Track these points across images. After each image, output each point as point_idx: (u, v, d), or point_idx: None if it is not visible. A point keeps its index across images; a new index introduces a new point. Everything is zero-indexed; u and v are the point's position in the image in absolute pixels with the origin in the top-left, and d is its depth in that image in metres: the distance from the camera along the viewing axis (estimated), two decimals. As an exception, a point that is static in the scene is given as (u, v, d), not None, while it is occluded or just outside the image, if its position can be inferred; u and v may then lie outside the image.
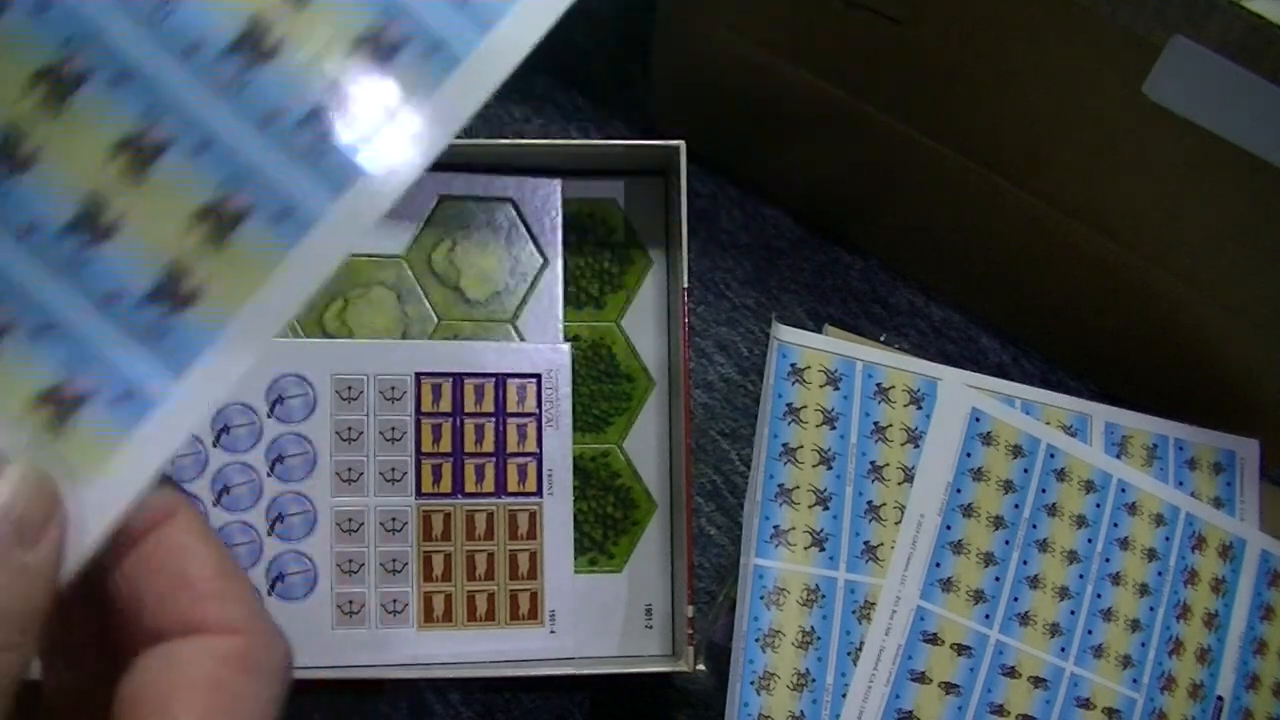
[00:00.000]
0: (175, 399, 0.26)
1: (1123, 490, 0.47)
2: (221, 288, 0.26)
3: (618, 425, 0.48)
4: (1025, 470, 0.46)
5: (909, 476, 0.45)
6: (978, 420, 0.46)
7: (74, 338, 0.26)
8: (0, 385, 0.25)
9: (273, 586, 0.44)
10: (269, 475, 0.45)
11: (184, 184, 0.26)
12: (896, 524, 0.45)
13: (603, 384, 0.48)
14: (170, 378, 0.26)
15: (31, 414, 0.25)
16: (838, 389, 0.45)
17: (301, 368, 0.45)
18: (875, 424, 0.45)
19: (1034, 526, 0.46)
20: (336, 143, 0.27)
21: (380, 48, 0.27)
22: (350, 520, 0.45)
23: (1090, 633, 0.46)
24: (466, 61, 0.28)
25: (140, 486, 0.25)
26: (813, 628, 0.43)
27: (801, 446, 0.44)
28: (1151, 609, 0.47)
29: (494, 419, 0.46)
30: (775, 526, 0.43)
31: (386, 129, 0.27)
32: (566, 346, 0.47)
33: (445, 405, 0.46)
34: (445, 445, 0.46)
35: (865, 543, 0.44)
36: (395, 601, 0.45)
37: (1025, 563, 0.46)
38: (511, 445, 0.46)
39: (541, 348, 0.46)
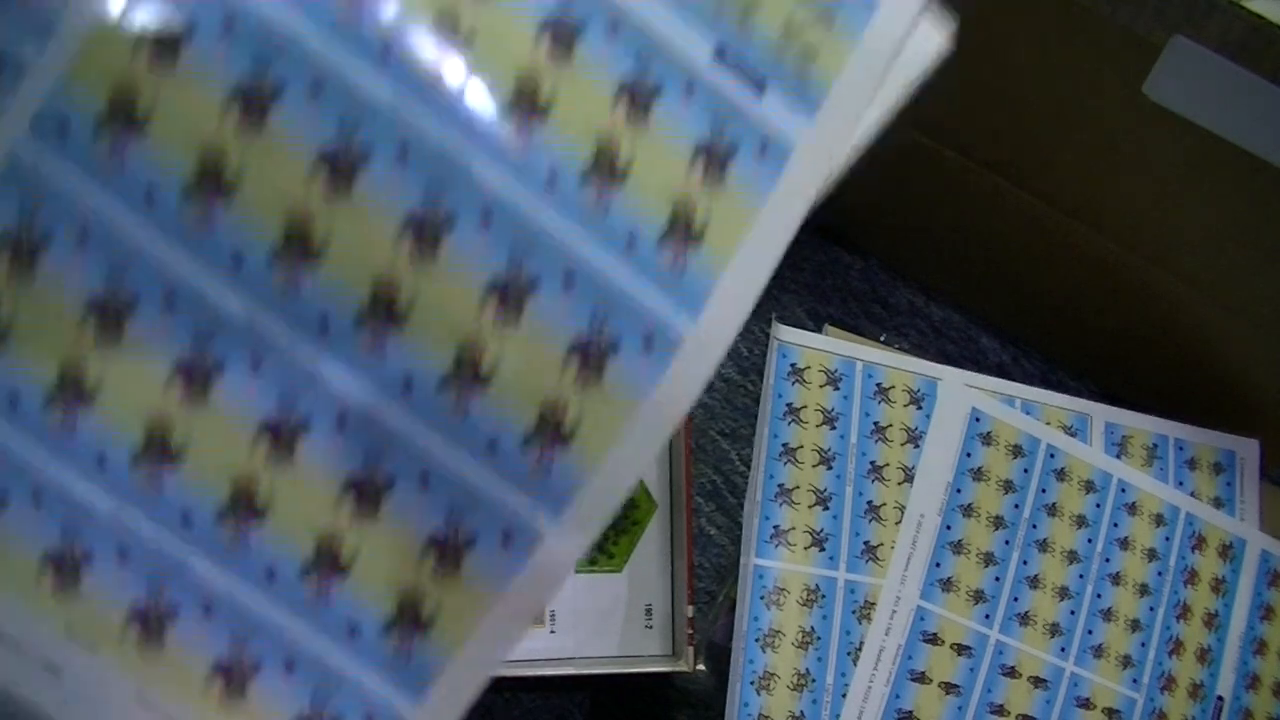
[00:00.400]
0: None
1: (1123, 490, 0.47)
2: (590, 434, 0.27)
3: (618, 425, 0.48)
4: (1025, 470, 0.46)
5: (909, 476, 0.45)
6: (978, 420, 0.46)
7: None
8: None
9: (273, 586, 0.44)
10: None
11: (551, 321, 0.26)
12: (896, 524, 0.45)
13: (603, 384, 0.48)
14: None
15: None
16: (838, 389, 0.45)
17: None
18: (875, 424, 0.45)
19: (1034, 526, 0.46)
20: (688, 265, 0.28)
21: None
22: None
23: (1090, 633, 0.46)
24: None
25: None
26: (813, 628, 0.43)
27: (801, 446, 0.44)
28: (1151, 609, 0.47)
29: (494, 419, 0.46)
30: (775, 526, 0.43)
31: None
32: (566, 346, 0.47)
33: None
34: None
35: (865, 543, 0.44)
36: (395, 601, 0.45)
37: (1025, 563, 0.46)
38: (511, 445, 0.46)
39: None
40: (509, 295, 0.26)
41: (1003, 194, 0.46)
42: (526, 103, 0.26)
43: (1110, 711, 0.46)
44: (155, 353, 0.25)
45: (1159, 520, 0.48)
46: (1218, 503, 0.49)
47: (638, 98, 0.26)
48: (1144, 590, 0.47)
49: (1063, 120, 0.42)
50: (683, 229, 0.27)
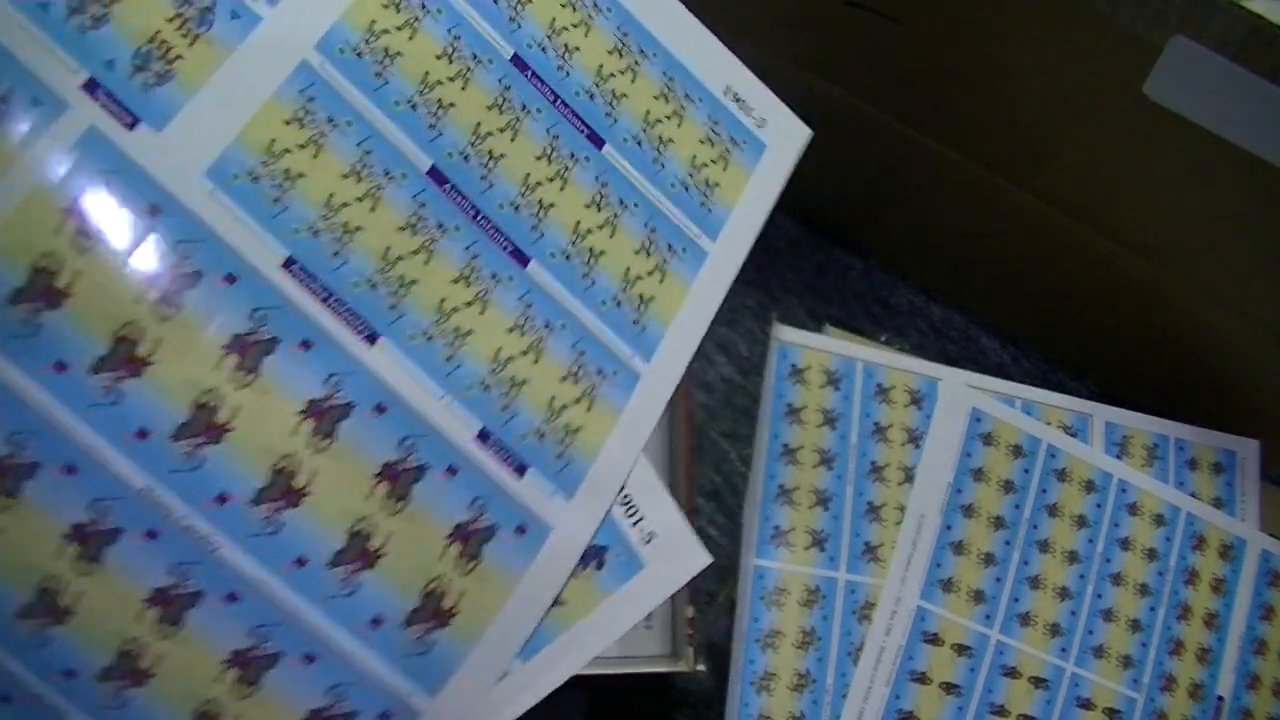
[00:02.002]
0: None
1: (1123, 490, 0.47)
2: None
3: (618, 425, 0.48)
4: (1025, 470, 0.46)
5: (909, 477, 0.45)
6: (978, 420, 0.46)
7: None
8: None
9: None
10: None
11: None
12: (897, 524, 0.45)
13: (603, 384, 0.48)
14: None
15: None
16: (838, 389, 0.45)
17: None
18: (875, 424, 0.45)
19: (1034, 527, 0.46)
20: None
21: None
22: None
23: (1091, 633, 0.46)
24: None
25: None
26: (813, 628, 0.43)
27: (802, 447, 0.44)
28: (1152, 609, 0.47)
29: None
30: (775, 527, 0.43)
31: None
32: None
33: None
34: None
35: (865, 543, 0.44)
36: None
37: (1026, 563, 0.46)
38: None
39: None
40: (248, 667, 0.26)
41: (1003, 194, 0.46)
42: (281, 487, 0.26)
43: (1110, 711, 0.46)
44: None
45: (1159, 520, 0.48)
46: (1218, 503, 0.49)
47: (399, 480, 0.27)
48: (1144, 590, 0.47)
49: (1063, 120, 0.42)
50: (432, 609, 0.27)
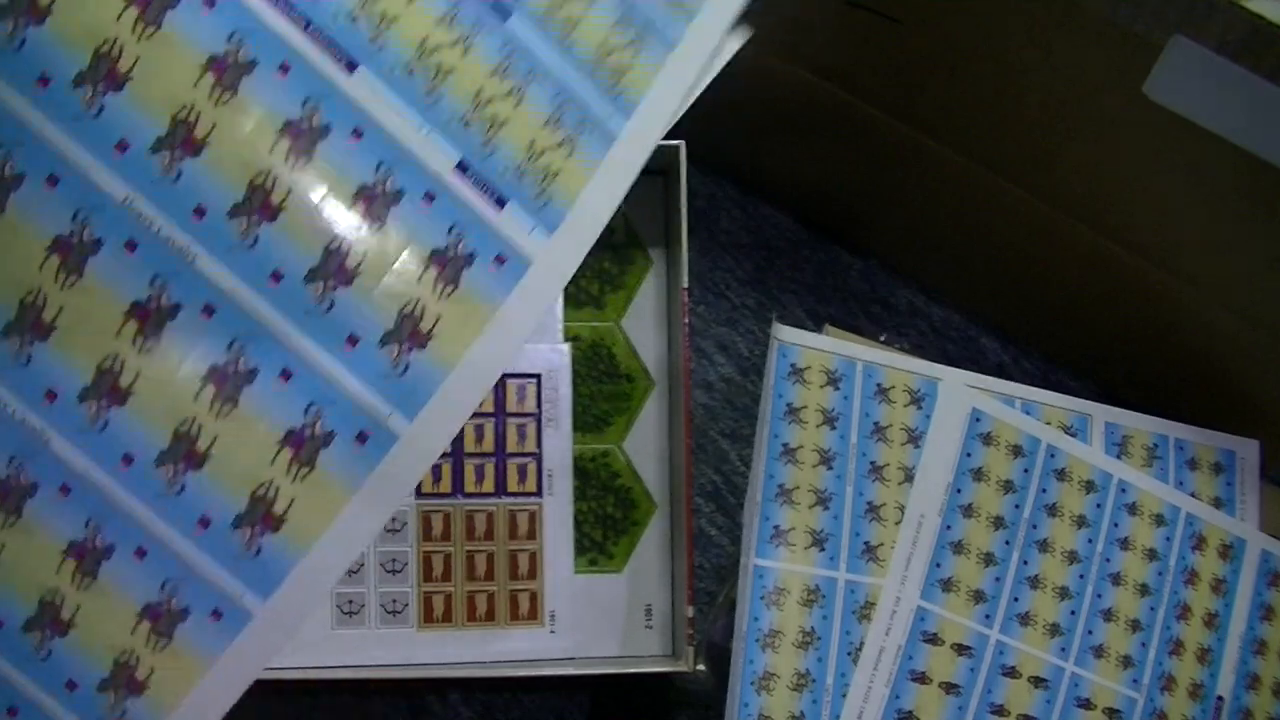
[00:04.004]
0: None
1: (1123, 490, 0.47)
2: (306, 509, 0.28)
3: (618, 425, 0.48)
4: (1025, 470, 0.46)
5: (909, 476, 0.45)
6: (978, 420, 0.46)
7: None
8: (105, 605, 0.27)
9: (273, 586, 0.44)
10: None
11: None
12: (897, 524, 0.45)
13: (603, 384, 0.48)
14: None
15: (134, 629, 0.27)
16: (838, 389, 0.45)
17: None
18: (875, 424, 0.45)
19: (1034, 526, 0.46)
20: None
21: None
22: (350, 520, 0.45)
23: (1090, 633, 0.46)
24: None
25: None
26: (813, 628, 0.43)
27: (802, 446, 0.44)
28: (1152, 609, 0.47)
29: (494, 419, 0.46)
30: (775, 526, 0.43)
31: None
32: (566, 347, 0.47)
33: (445, 405, 0.46)
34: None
35: (865, 543, 0.44)
36: (395, 601, 0.45)
37: (1025, 563, 0.46)
38: (511, 445, 0.46)
39: (541, 348, 0.46)
40: (226, 383, 0.28)
41: (1003, 194, 0.46)
42: (258, 202, 0.27)
43: (1110, 711, 0.46)
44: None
45: (1159, 520, 0.48)
46: (1218, 503, 0.49)
47: (375, 200, 0.27)
48: (1144, 590, 0.47)
49: (1063, 120, 0.42)
50: (409, 331, 0.28)
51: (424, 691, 0.50)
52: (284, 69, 0.27)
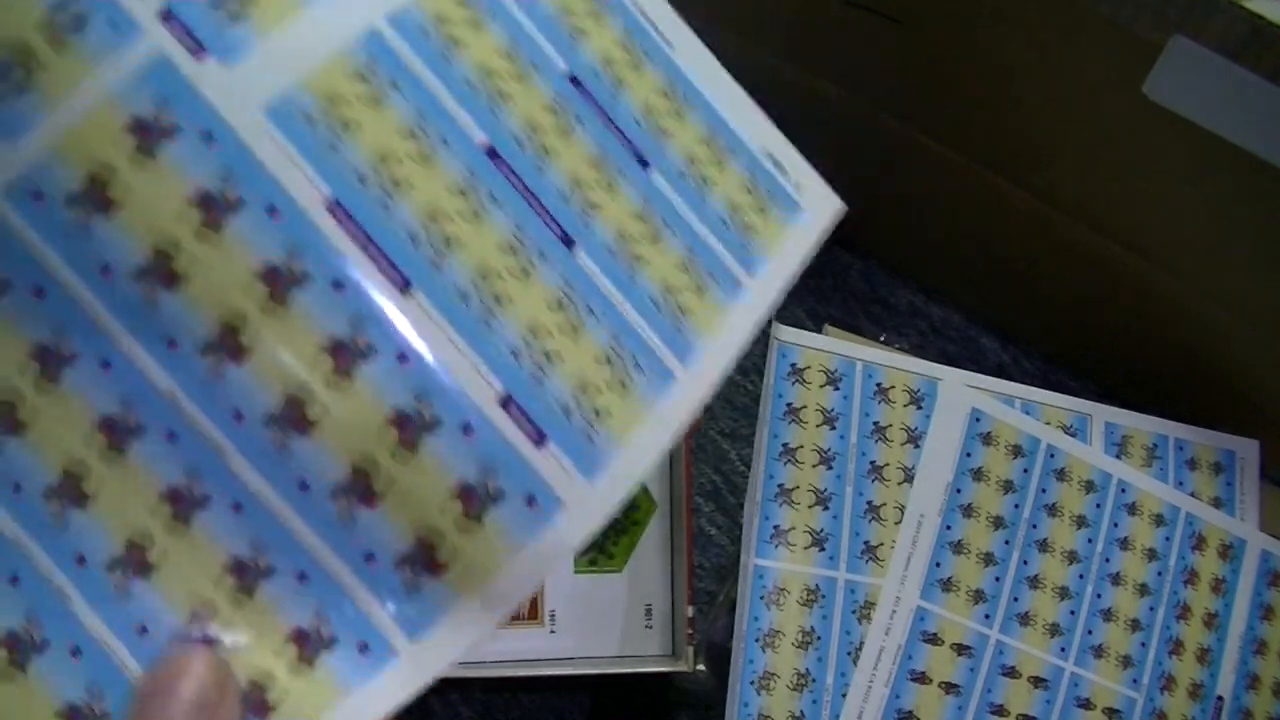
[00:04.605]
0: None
1: (1123, 490, 0.47)
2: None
3: (618, 425, 0.48)
4: (1025, 470, 0.46)
5: (909, 476, 0.45)
6: (978, 420, 0.46)
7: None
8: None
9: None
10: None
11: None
12: (896, 524, 0.45)
13: (603, 384, 0.48)
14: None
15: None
16: (838, 389, 0.45)
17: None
18: (875, 424, 0.45)
19: (1034, 526, 0.46)
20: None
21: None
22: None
23: (1090, 633, 0.46)
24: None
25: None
26: (813, 628, 0.43)
27: (801, 447, 0.44)
28: (1151, 609, 0.47)
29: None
30: (775, 527, 0.43)
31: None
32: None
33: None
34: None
35: (865, 543, 0.44)
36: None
37: (1025, 563, 0.46)
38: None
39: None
40: (245, 575, 0.27)
41: (1003, 194, 0.46)
42: (294, 417, 0.27)
43: (1110, 711, 0.46)
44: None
45: (1159, 520, 0.48)
46: (1218, 503, 0.49)
47: (410, 427, 0.27)
48: (1144, 590, 0.47)
49: (1063, 120, 0.42)
50: (425, 559, 0.28)
51: (424, 691, 0.50)
52: (338, 285, 0.27)
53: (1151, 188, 0.42)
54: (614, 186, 0.31)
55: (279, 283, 0.26)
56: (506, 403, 0.28)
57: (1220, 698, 0.47)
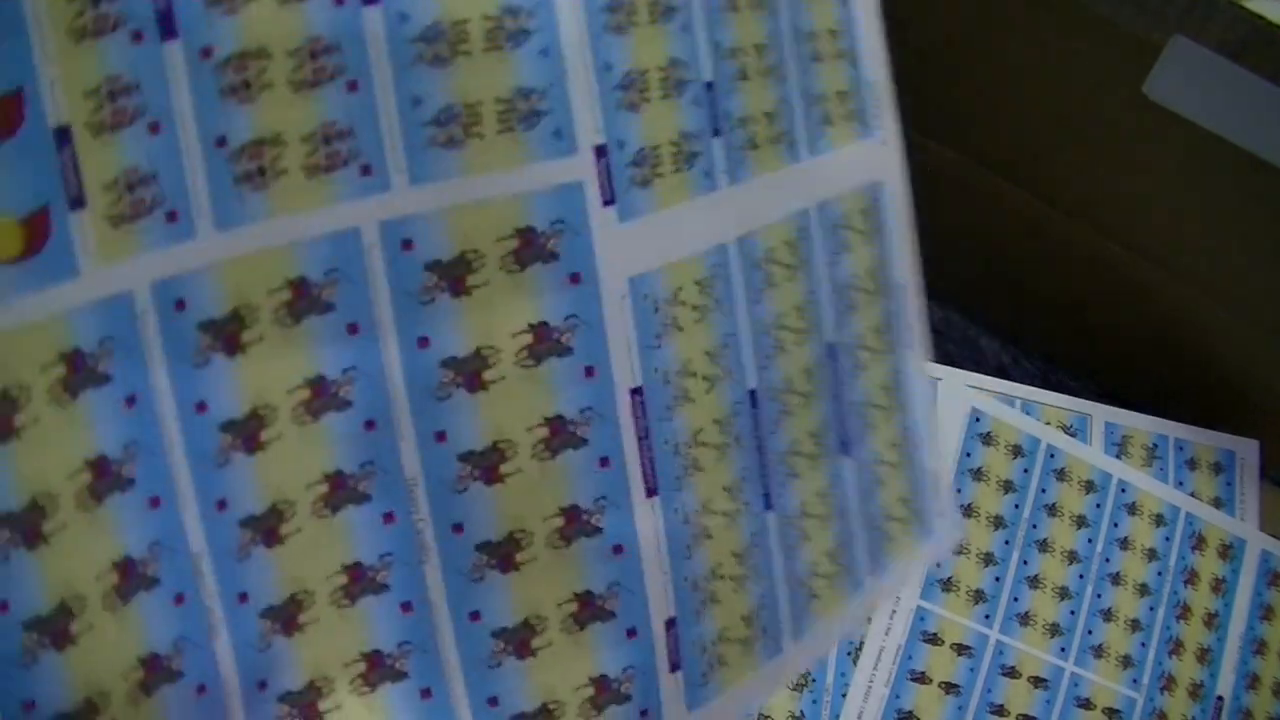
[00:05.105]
0: None
1: (1123, 490, 0.47)
2: None
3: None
4: (1025, 470, 0.46)
5: (909, 476, 0.45)
6: (978, 420, 0.46)
7: None
8: None
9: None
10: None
11: None
12: (896, 524, 0.45)
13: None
14: None
15: None
16: (838, 389, 0.45)
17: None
18: (875, 424, 0.45)
19: (1034, 526, 0.46)
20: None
21: None
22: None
23: (1090, 633, 0.46)
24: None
25: None
26: (813, 628, 0.43)
27: (801, 446, 0.44)
28: (1151, 609, 0.47)
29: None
30: (775, 526, 0.43)
31: None
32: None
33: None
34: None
35: (865, 543, 0.44)
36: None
37: (1025, 562, 0.46)
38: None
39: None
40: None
41: (1003, 194, 0.46)
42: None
43: (1110, 711, 0.46)
44: None
45: (1159, 520, 0.48)
46: (1218, 503, 0.49)
47: (587, 608, 0.28)
48: (1144, 590, 0.47)
49: (1063, 120, 0.42)
50: None
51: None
52: (604, 462, 0.28)
53: (1151, 188, 0.42)
54: (817, 462, 0.32)
55: (561, 433, 0.27)
56: (671, 624, 0.29)
57: (1220, 698, 0.47)
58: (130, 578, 0.22)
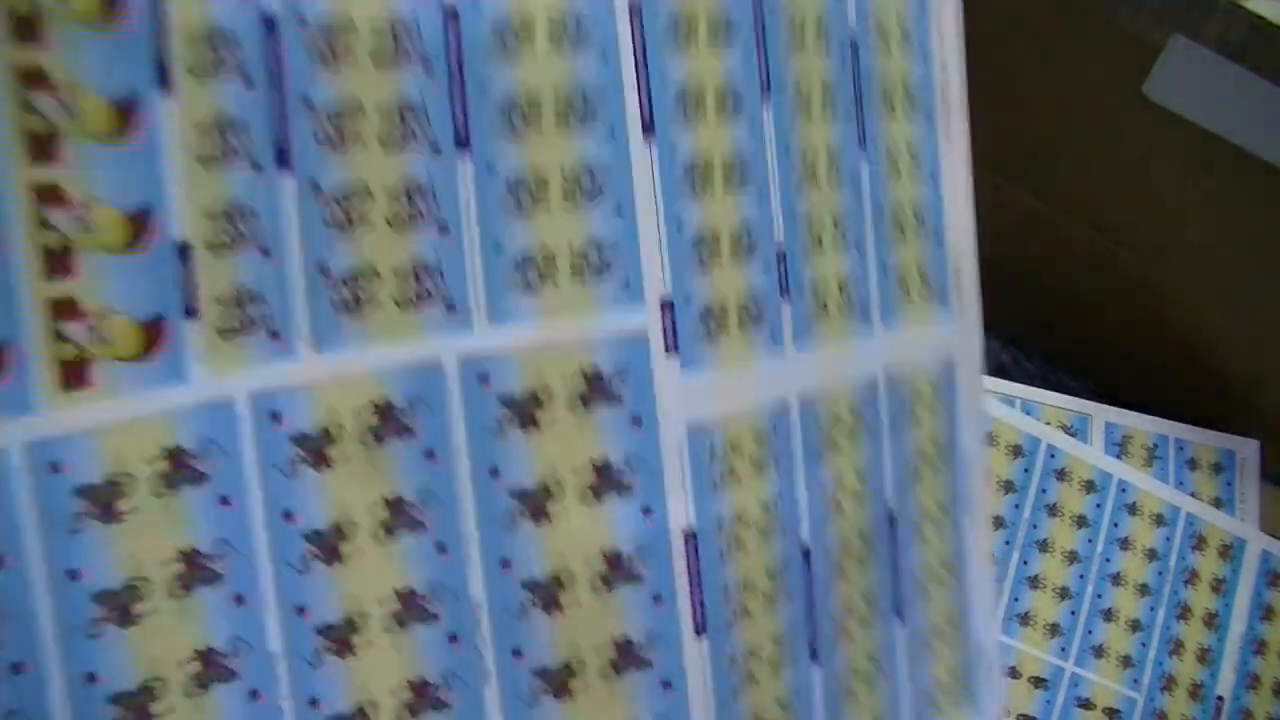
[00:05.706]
0: None
1: (1123, 490, 0.47)
2: None
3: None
4: (1025, 470, 0.46)
5: (909, 476, 0.45)
6: (978, 420, 0.46)
7: None
8: None
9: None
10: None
11: None
12: (896, 524, 0.45)
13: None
14: None
15: None
16: (838, 389, 0.45)
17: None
18: (875, 424, 0.45)
19: (1034, 527, 0.46)
20: None
21: None
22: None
23: (1090, 633, 0.46)
24: None
25: None
26: (813, 628, 0.43)
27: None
28: (1152, 609, 0.47)
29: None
30: (775, 526, 0.43)
31: None
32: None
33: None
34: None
35: (865, 543, 0.44)
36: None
37: (1025, 563, 0.46)
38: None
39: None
40: None
41: (1003, 194, 0.46)
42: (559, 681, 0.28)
43: (1110, 711, 0.46)
44: None
45: (1159, 520, 0.48)
46: (1218, 503, 0.49)
47: (625, 659, 0.28)
48: (1144, 590, 0.47)
49: (1063, 120, 0.42)
50: None
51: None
52: (657, 600, 0.28)
53: (1151, 188, 0.42)
54: (868, 625, 0.33)
55: (618, 569, 0.27)
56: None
57: (1220, 698, 0.47)
58: (211, 667, 0.23)
